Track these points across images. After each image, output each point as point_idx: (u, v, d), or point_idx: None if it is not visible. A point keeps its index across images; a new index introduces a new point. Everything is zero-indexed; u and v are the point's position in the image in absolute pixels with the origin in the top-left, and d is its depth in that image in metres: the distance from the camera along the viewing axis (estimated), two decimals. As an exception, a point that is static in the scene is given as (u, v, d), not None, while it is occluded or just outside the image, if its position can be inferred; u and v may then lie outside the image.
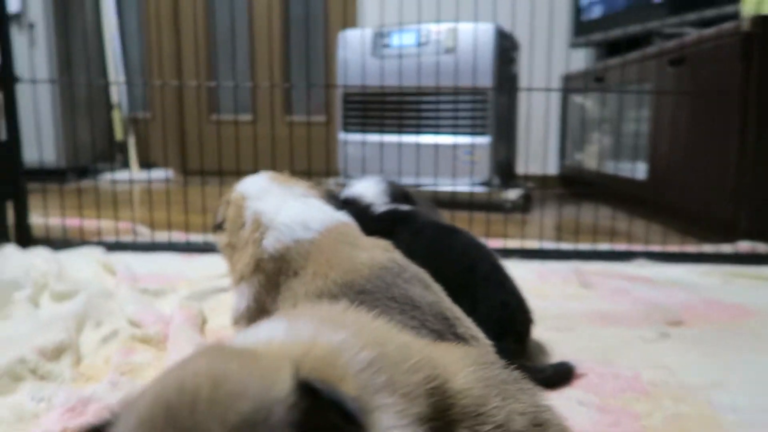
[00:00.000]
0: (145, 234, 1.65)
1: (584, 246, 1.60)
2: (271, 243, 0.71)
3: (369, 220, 0.88)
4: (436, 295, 0.66)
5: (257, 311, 0.72)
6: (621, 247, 1.61)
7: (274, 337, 0.37)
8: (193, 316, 0.94)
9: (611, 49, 2.87)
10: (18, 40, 2.97)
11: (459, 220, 1.79)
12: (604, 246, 1.61)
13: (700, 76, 1.75)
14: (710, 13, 1.94)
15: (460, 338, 0.61)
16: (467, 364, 0.42)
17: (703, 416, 0.71)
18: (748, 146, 1.64)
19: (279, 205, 0.74)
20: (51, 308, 1.07)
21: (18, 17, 2.99)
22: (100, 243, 1.55)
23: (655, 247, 1.60)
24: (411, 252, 0.73)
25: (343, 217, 0.76)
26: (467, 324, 0.64)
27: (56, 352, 0.82)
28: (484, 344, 0.63)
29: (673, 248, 1.60)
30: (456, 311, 0.65)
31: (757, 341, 0.97)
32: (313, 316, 0.41)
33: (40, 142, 1.65)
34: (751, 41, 1.58)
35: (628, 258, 1.54)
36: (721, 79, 1.63)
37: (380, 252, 0.69)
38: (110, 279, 1.25)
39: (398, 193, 1.30)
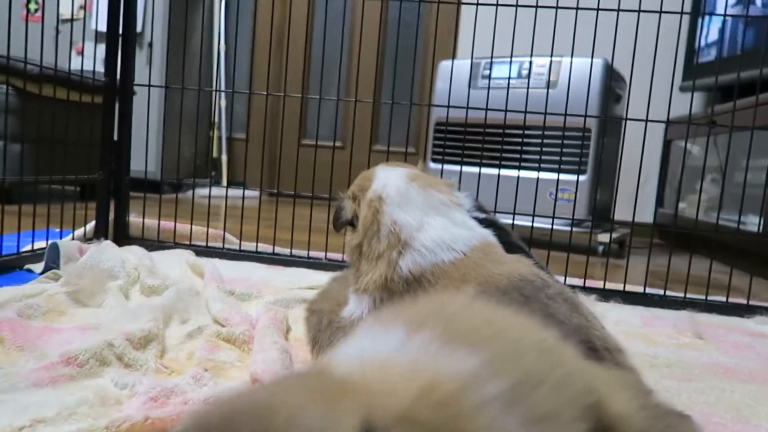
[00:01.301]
0: (233, 242, 1.66)
1: (695, 296, 1.45)
2: (408, 265, 0.64)
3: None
4: (584, 318, 0.56)
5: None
6: (738, 300, 1.45)
7: (388, 358, 0.30)
8: (278, 320, 0.90)
9: (725, 94, 2.69)
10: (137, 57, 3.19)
11: (554, 259, 1.69)
12: (718, 297, 1.45)
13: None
14: None
15: (605, 350, 0.53)
16: (624, 387, 0.34)
17: None
18: None
19: (422, 218, 0.67)
20: (140, 300, 1.07)
21: (139, 36, 3.22)
22: (191, 246, 1.57)
23: (779, 306, 1.43)
24: None
25: (488, 235, 0.68)
26: (619, 356, 0.54)
27: (143, 341, 0.80)
28: (639, 380, 0.52)
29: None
30: (609, 341, 0.55)
31: None
32: (437, 320, 0.34)
33: (146, 152, 1.72)
34: None
35: (745, 312, 1.38)
36: None
37: (523, 266, 0.62)
38: (198, 280, 1.25)
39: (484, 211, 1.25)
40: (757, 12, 2.42)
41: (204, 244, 1.62)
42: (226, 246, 1.62)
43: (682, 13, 1.30)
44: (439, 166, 2.46)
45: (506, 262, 0.62)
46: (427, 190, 0.71)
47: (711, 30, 2.73)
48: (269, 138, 3.78)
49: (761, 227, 1.96)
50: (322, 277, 1.43)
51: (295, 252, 1.59)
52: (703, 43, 2.70)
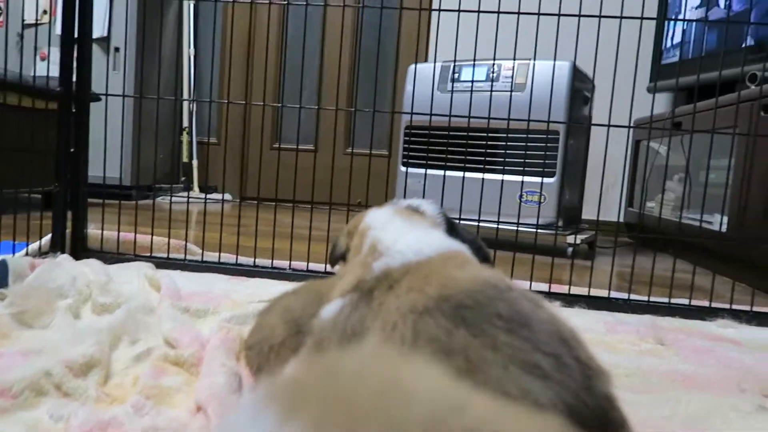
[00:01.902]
0: (195, 252, 1.62)
1: (658, 299, 1.46)
2: (379, 266, 0.67)
3: None
4: (549, 313, 0.55)
5: (349, 330, 0.65)
6: (701, 303, 1.46)
7: None
8: (230, 340, 0.88)
9: (689, 94, 2.73)
10: (102, 62, 3.12)
11: (520, 262, 1.69)
12: (682, 300, 1.46)
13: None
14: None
15: (582, 364, 0.49)
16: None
17: None
18: None
19: (399, 234, 0.72)
20: (90, 320, 1.03)
21: (105, 40, 3.15)
22: (151, 258, 1.53)
23: (741, 306, 1.44)
24: None
25: (461, 247, 0.70)
26: (587, 349, 0.53)
27: (85, 368, 0.77)
28: (603, 376, 0.50)
29: (763, 309, 1.43)
30: (574, 332, 0.54)
31: None
32: (317, 400, 0.29)
33: (109, 159, 1.67)
34: None
35: (707, 315, 1.39)
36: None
37: (486, 271, 0.61)
38: (155, 294, 1.21)
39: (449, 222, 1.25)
40: (720, 14, 2.45)
41: (165, 255, 1.58)
42: (188, 257, 1.58)
43: (642, 18, 1.30)
44: (410, 170, 2.45)
45: (471, 269, 0.62)
46: (410, 217, 0.77)
47: (675, 32, 2.76)
48: (242, 141, 3.74)
49: (724, 227, 1.98)
50: (286, 288, 1.41)
51: (259, 261, 1.56)
52: (668, 44, 2.73)
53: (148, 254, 1.57)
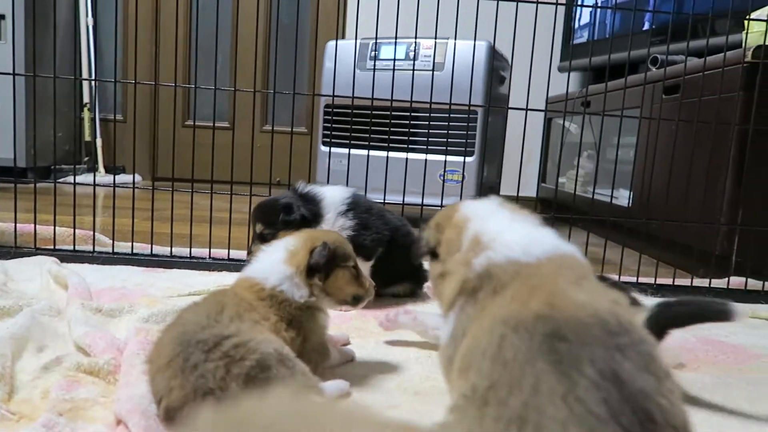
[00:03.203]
0: (105, 243, 1.52)
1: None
2: (481, 261, 0.60)
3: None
4: (654, 379, 0.45)
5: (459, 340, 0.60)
6: (610, 276, 1.55)
7: None
8: (149, 343, 0.83)
9: (599, 74, 2.85)
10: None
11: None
12: (594, 276, 1.53)
13: (696, 104, 1.71)
14: (703, 42, 1.91)
15: None
16: None
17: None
18: (743, 179, 1.60)
19: (505, 227, 0.64)
20: (-12, 327, 0.94)
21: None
22: (55, 251, 1.42)
23: (646, 279, 1.54)
24: None
25: (573, 249, 0.62)
26: None
27: (-15, 383, 0.70)
28: None
29: (666, 281, 1.54)
30: (676, 413, 0.44)
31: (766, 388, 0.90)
32: None
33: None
34: (755, 71, 1.54)
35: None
36: (720, 108, 1.59)
37: (606, 302, 0.51)
38: (62, 293, 1.13)
39: (360, 207, 1.24)
40: (624, -3, 2.56)
41: (71, 248, 1.47)
42: (98, 248, 1.48)
43: (557, 4, 1.33)
44: (327, 149, 2.41)
45: (589, 290, 0.53)
46: (517, 211, 0.69)
47: (584, 13, 2.87)
48: (149, 119, 3.53)
49: (629, 202, 2.10)
50: (206, 279, 1.36)
51: (176, 251, 1.49)
52: (576, 25, 2.83)
53: (51, 247, 1.46)
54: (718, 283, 1.55)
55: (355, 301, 0.88)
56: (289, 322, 0.79)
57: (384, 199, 1.55)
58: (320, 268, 0.82)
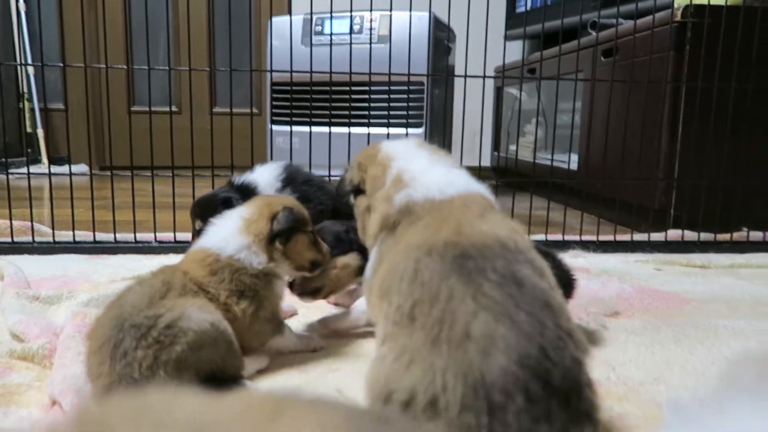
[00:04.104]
0: (45, 233, 1.48)
1: (520, 237, 1.57)
2: (401, 198, 0.66)
3: None
4: (549, 284, 0.56)
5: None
6: (555, 236, 1.59)
7: None
8: (87, 326, 0.82)
9: (545, 41, 2.89)
10: None
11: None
12: (539, 236, 1.58)
13: (633, 66, 1.75)
14: (643, 4, 1.95)
15: (560, 330, 0.50)
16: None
17: (648, 416, 0.66)
18: (678, 136, 1.66)
19: (426, 168, 0.70)
20: None
21: None
22: (-8, 244, 1.38)
23: (589, 237, 1.59)
24: None
25: (483, 190, 0.69)
26: (571, 321, 0.54)
27: None
28: (580, 344, 0.52)
29: (607, 237, 1.59)
30: (564, 305, 0.55)
31: (695, 330, 0.95)
32: None
33: None
34: (684, 31, 1.59)
35: (562, 247, 1.52)
36: (654, 68, 1.63)
37: (505, 229, 0.60)
38: (-1, 285, 1.10)
39: (297, 180, 1.24)
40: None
41: (9, 240, 1.43)
42: (38, 239, 1.44)
43: (489, -32, 1.34)
44: (278, 127, 2.39)
45: (491, 221, 0.62)
46: (435, 151, 0.75)
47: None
48: (92, 106, 3.42)
49: (575, 165, 2.15)
50: (152, 263, 1.34)
51: (121, 237, 1.46)
52: (520, -7, 2.85)
53: (-11, 240, 1.41)
54: (657, 236, 1.61)
55: (312, 266, 0.87)
56: (240, 294, 0.77)
57: (329, 175, 1.56)
58: (284, 233, 0.81)
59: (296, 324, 0.96)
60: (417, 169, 0.69)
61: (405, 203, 0.66)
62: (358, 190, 0.76)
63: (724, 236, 1.59)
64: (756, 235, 1.60)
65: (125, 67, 1.43)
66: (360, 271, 0.94)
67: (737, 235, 1.60)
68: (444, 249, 0.56)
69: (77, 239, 1.44)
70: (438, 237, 0.58)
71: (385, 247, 0.66)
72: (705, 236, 1.59)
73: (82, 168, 2.89)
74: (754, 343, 0.90)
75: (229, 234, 0.81)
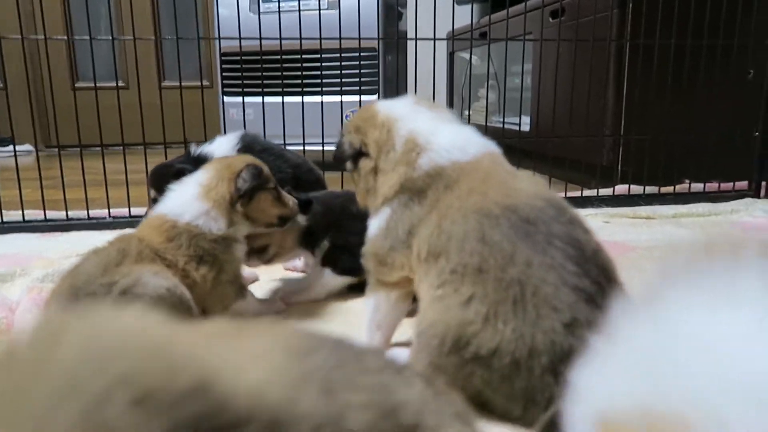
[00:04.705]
0: (-8, 214, 1.44)
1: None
2: (425, 162, 0.67)
3: None
4: (595, 241, 0.61)
5: (402, 232, 0.67)
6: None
7: None
8: (42, 300, 0.81)
9: (494, 4, 2.90)
10: None
11: (349, 179, 1.73)
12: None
13: (579, 26, 1.79)
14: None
15: (616, 293, 0.57)
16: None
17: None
18: (623, 93, 1.71)
19: (435, 126, 0.71)
20: None
21: None
22: (-64, 227, 1.34)
23: (542, 195, 1.64)
24: None
25: (495, 146, 0.72)
26: (618, 275, 0.60)
27: None
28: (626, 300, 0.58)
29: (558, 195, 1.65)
30: (611, 260, 0.61)
31: (640, 274, 1.00)
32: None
33: None
34: (625, -12, 1.63)
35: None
36: (599, 28, 1.67)
37: (539, 185, 0.65)
38: (-53, 267, 1.07)
39: (254, 150, 1.24)
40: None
41: (-46, 222, 1.38)
42: (-15, 220, 1.40)
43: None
44: (230, 99, 2.35)
45: (524, 179, 0.66)
46: (434, 108, 0.75)
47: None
48: (34, 82, 3.28)
49: (528, 127, 2.20)
50: (109, 238, 1.32)
51: (74, 214, 1.43)
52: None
53: (-68, 223, 1.36)
54: (606, 192, 1.67)
55: (281, 221, 0.87)
56: (200, 259, 0.77)
57: (284, 143, 1.55)
58: (249, 192, 0.81)
59: (258, 291, 0.97)
60: (428, 130, 0.70)
61: (432, 167, 0.67)
62: (360, 153, 0.75)
63: (667, 189, 1.67)
64: (697, 187, 1.69)
65: (65, 38, 1.38)
66: (302, 235, 0.96)
67: (680, 187, 1.68)
68: (502, 213, 0.60)
69: (27, 218, 1.40)
70: (490, 200, 0.61)
71: (408, 211, 0.67)
72: (650, 189, 1.66)
73: (27, 147, 2.78)
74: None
75: (187, 200, 0.80)
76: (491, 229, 0.59)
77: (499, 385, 0.55)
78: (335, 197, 1.03)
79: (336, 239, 0.95)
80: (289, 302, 0.94)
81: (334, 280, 0.95)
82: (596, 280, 0.57)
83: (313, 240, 0.97)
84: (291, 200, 0.88)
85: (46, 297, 0.72)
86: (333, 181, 1.77)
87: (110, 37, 1.43)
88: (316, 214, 0.96)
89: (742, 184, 1.70)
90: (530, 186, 0.64)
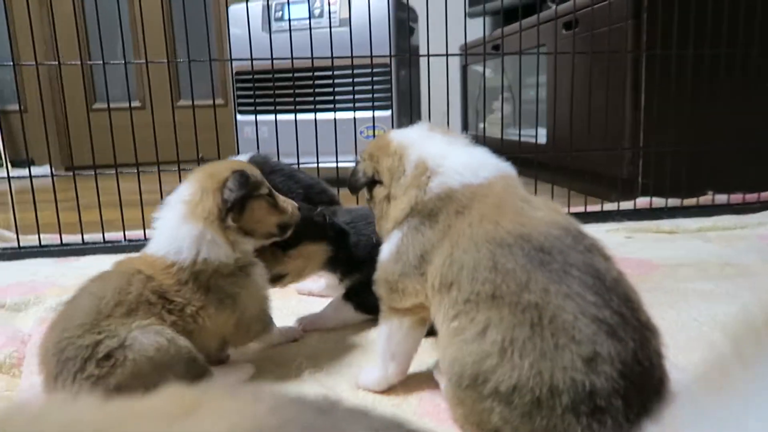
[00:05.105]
0: (9, 239, 1.44)
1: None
2: (436, 185, 0.66)
3: None
4: (616, 270, 0.58)
5: (413, 257, 0.66)
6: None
7: None
8: (55, 331, 0.80)
9: (506, 16, 2.89)
10: None
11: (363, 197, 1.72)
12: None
13: (594, 37, 1.76)
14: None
15: (641, 325, 0.54)
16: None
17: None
18: (640, 104, 1.68)
19: (446, 150, 0.70)
20: None
21: None
22: (-47, 254, 1.34)
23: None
24: None
25: (508, 167, 0.70)
26: (645, 309, 0.57)
27: None
28: (657, 335, 0.56)
29: (578, 209, 1.61)
30: (635, 291, 0.57)
31: (665, 295, 0.97)
32: None
33: None
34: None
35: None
36: (614, 38, 1.64)
37: (556, 213, 0.62)
38: (-38, 295, 1.07)
39: (264, 171, 1.22)
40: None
41: (-28, 248, 1.39)
42: (2, 245, 1.40)
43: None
44: (244, 117, 2.36)
45: (539, 206, 0.63)
46: (447, 133, 0.74)
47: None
48: (53, 106, 3.33)
49: (545, 139, 2.17)
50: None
51: (89, 238, 1.43)
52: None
53: (-50, 249, 1.37)
54: (627, 205, 1.63)
55: (281, 230, 0.78)
56: (219, 303, 0.69)
57: (297, 162, 1.54)
58: (238, 202, 0.71)
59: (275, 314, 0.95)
60: (438, 153, 0.69)
61: (443, 190, 0.66)
62: (374, 182, 0.74)
63: (690, 201, 1.62)
64: (721, 198, 1.64)
65: (78, 63, 1.39)
66: (328, 261, 0.93)
67: (703, 199, 1.63)
68: (516, 242, 0.58)
69: (43, 243, 1.41)
70: (503, 229, 0.59)
71: (420, 236, 0.66)
72: (672, 202, 1.62)
73: (46, 170, 2.81)
74: (724, 306, 0.92)
75: (176, 225, 0.70)
76: (504, 258, 0.57)
77: (519, 423, 0.53)
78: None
79: (368, 275, 0.91)
80: (307, 330, 0.92)
81: (354, 316, 0.93)
82: (618, 311, 0.53)
83: (345, 269, 0.94)
84: (290, 205, 0.80)
85: (37, 343, 0.68)
86: (347, 198, 1.76)
87: (123, 61, 1.43)
88: (358, 245, 0.93)
89: (768, 195, 1.65)
90: (545, 213, 0.62)
